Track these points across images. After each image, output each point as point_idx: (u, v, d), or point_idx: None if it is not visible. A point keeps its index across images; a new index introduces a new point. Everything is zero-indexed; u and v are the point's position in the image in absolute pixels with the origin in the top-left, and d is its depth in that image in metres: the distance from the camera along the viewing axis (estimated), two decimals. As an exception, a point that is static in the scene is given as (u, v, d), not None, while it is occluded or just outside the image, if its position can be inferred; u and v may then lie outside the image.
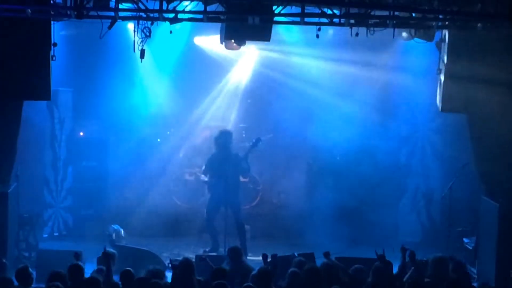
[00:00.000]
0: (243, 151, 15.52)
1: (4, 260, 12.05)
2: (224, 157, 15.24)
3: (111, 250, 11.98)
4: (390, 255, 11.02)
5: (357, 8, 12.50)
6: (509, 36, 12.73)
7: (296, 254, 12.30)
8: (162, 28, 13.06)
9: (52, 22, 12.76)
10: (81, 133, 16.89)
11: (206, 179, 15.56)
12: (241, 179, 15.77)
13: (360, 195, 16.62)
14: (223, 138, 15.31)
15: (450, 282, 10.28)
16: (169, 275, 11.22)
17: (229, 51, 15.46)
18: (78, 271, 10.44)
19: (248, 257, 14.89)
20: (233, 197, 15.25)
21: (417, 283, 10.26)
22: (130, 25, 12.88)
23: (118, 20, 12.30)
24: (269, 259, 11.27)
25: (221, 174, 15.08)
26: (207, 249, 15.32)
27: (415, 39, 13.34)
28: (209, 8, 12.41)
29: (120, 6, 12.21)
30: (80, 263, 10.78)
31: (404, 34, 13.74)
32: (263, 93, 17.42)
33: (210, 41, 16.68)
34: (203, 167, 15.71)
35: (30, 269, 10.57)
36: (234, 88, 17.68)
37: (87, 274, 10.79)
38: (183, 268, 10.77)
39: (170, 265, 11.70)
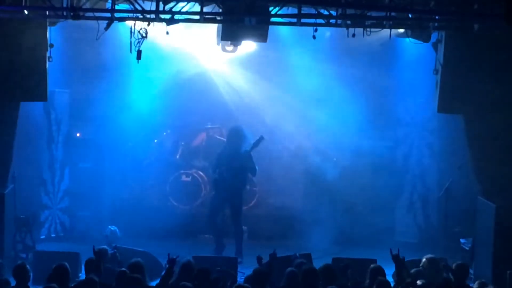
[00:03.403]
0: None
1: (0, 261, 12.03)
2: (233, 153, 15.02)
3: (105, 247, 11.96)
4: (388, 256, 10.99)
5: (353, 9, 12.52)
6: (505, 36, 12.74)
7: (297, 254, 12.27)
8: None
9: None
10: (78, 134, 16.84)
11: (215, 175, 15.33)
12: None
13: (356, 196, 16.61)
14: (234, 134, 15.19)
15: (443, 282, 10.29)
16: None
17: (222, 54, 15.49)
18: (65, 273, 10.37)
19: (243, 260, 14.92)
20: (236, 196, 15.07)
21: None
22: (127, 26, 12.85)
23: (115, 21, 12.33)
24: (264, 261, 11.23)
25: (229, 170, 14.89)
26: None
27: (412, 39, 13.37)
28: (205, 9, 12.44)
29: (117, 7, 12.23)
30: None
31: (400, 30, 13.73)
32: (259, 95, 17.39)
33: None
34: (214, 163, 15.52)
35: (28, 266, 10.55)
36: (230, 90, 17.66)
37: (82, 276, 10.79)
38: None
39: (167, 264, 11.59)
